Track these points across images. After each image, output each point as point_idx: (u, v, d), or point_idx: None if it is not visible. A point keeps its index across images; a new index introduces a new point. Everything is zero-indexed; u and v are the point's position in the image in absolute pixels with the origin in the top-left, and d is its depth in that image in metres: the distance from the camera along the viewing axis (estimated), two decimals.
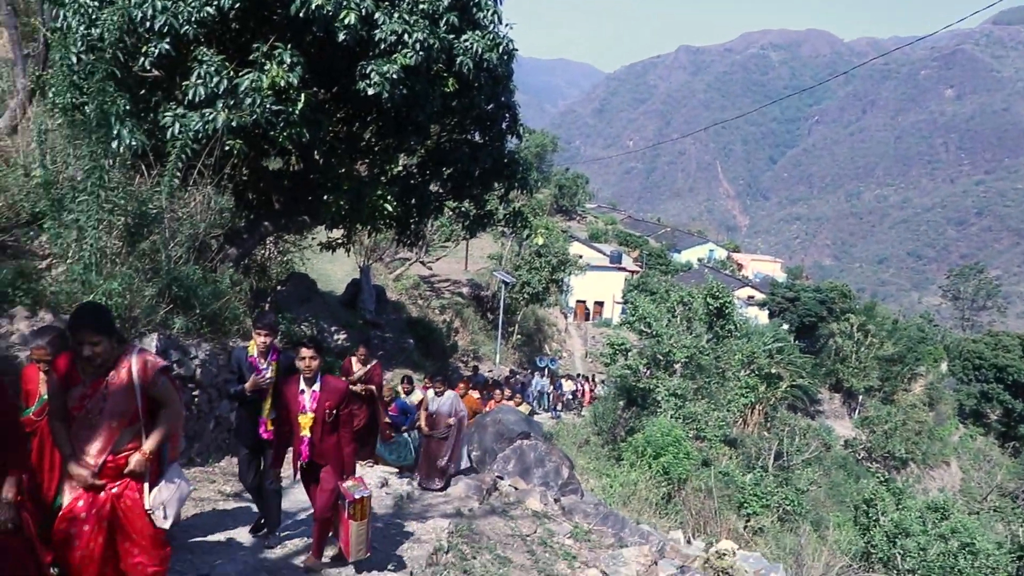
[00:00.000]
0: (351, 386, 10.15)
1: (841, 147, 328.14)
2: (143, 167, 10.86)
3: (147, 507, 4.47)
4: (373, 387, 10.88)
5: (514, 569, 7.97)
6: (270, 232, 16.42)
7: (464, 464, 12.17)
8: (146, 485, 4.51)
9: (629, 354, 26.27)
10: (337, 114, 15.43)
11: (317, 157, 15.35)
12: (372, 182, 15.06)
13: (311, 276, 21.18)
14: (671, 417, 21.61)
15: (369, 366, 10.92)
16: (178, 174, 10.78)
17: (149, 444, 4.48)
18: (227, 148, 11.81)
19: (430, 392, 11.23)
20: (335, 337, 18.66)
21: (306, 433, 6.26)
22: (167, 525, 4.53)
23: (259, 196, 15.95)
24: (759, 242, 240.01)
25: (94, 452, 4.36)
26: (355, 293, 25.99)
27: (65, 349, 4.73)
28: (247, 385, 6.63)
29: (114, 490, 4.42)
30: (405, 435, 11.54)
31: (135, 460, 4.43)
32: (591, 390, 32.97)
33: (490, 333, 37.64)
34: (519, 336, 41.73)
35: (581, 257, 49.46)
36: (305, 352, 6.19)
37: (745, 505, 18.21)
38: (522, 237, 38.28)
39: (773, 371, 32.98)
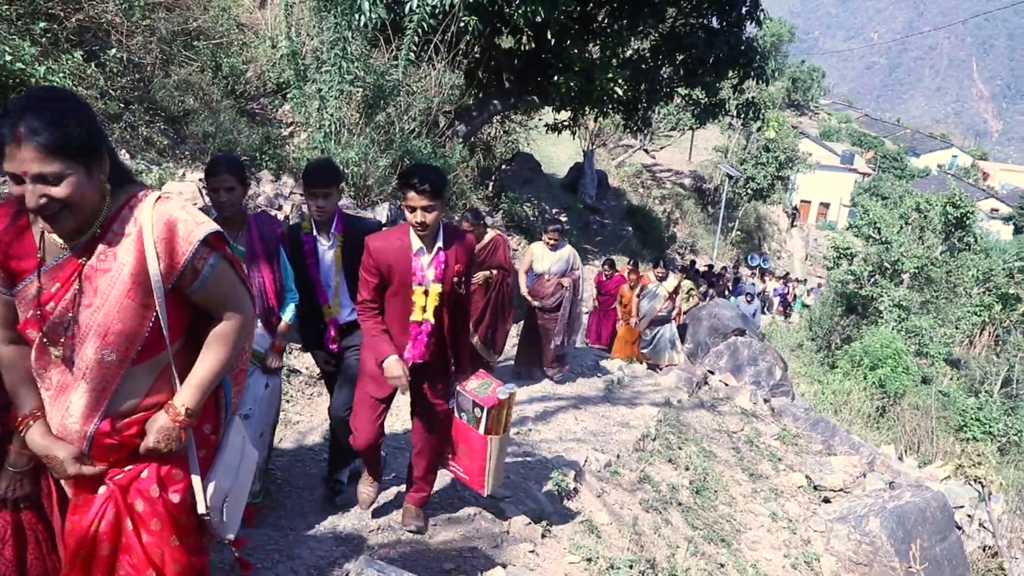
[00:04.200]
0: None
1: None
2: (382, 41, 11.14)
3: (201, 510, 2.43)
4: (491, 272, 7.76)
5: (718, 463, 7.91)
6: (498, 111, 16.59)
7: (577, 343, 9.36)
8: (195, 475, 2.44)
9: (854, 259, 25.10)
10: None
11: (549, 37, 15.24)
12: (603, 64, 14.82)
13: (535, 157, 21.36)
14: (892, 329, 20.58)
15: (487, 239, 7.78)
16: (414, 49, 10.99)
17: (186, 395, 2.33)
18: (462, 24, 11.91)
19: (537, 246, 8.85)
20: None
21: (425, 317, 4.06)
22: (231, 534, 2.58)
23: (490, 75, 16.08)
24: (1011, 150, 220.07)
25: (77, 413, 2.24)
26: (577, 177, 26.11)
27: None
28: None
29: (118, 478, 2.34)
30: None
31: (158, 427, 2.30)
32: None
33: (709, 227, 36.86)
34: (738, 232, 40.62)
35: (811, 155, 47.04)
36: (414, 199, 3.80)
37: (965, 429, 17.21)
38: (751, 130, 36.88)
39: (1011, 291, 30.50)
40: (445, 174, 4.08)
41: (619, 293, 11.94)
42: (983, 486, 10.53)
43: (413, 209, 3.82)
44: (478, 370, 4.37)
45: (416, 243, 3.98)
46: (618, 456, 6.88)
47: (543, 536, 4.87)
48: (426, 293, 4.01)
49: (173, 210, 2.24)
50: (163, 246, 2.21)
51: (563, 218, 19.10)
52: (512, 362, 9.25)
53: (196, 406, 2.35)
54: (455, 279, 4.06)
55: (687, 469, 7.31)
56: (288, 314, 4.29)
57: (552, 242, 8.57)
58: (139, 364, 2.28)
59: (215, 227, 2.31)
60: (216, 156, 4.08)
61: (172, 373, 2.37)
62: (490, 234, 7.83)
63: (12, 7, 6.58)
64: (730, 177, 35.63)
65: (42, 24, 6.63)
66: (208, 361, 2.38)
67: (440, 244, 4.01)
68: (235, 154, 4.22)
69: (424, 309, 4.03)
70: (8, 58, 5.95)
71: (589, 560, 4.75)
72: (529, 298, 8.71)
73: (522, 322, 9.23)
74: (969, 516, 9.57)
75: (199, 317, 2.43)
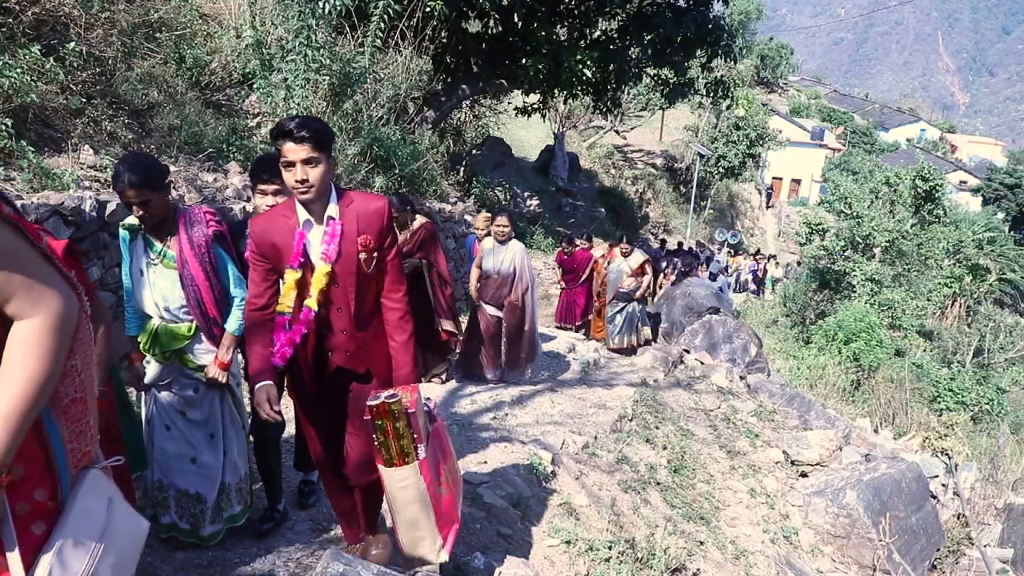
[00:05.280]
0: None
1: None
2: (347, 28, 11.04)
3: None
4: (422, 263, 6.94)
5: (695, 442, 7.95)
6: (467, 96, 16.50)
7: (538, 352, 8.46)
8: (12, 555, 1.58)
9: (826, 235, 25.27)
10: None
11: (516, 20, 15.15)
12: (571, 46, 14.78)
13: (506, 141, 21.29)
14: (865, 303, 20.72)
15: (416, 226, 6.93)
16: (380, 35, 10.90)
17: None
18: (428, 9, 11.83)
19: (488, 241, 7.96)
20: (527, 203, 18.81)
21: (307, 304, 3.16)
22: None
23: (457, 59, 15.98)
24: (978, 122, 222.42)
25: None
26: (548, 159, 26.09)
27: None
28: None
29: None
30: None
31: None
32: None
33: (682, 206, 36.96)
34: (711, 211, 40.77)
35: (781, 132, 47.28)
36: (292, 150, 2.93)
37: (938, 400, 17.40)
38: (721, 108, 36.97)
39: (981, 262, 30.86)
40: (330, 126, 3.32)
41: (596, 270, 11.88)
42: (949, 458, 10.65)
43: (291, 165, 2.95)
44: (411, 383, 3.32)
45: (303, 214, 3.11)
46: (595, 438, 6.89)
47: (522, 520, 4.88)
48: (303, 275, 3.14)
49: None
50: None
51: (535, 201, 19.08)
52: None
53: (2, 455, 1.53)
54: (361, 255, 3.13)
55: (665, 448, 7.34)
56: (232, 323, 3.65)
57: (502, 229, 7.71)
58: None
59: None
60: (118, 164, 3.34)
61: None
62: (419, 220, 6.96)
63: None
64: (701, 156, 35.73)
65: None
66: (10, 386, 1.54)
67: (332, 212, 3.11)
68: (146, 155, 3.16)
69: (301, 296, 3.15)
70: None
71: (568, 543, 4.75)
72: (473, 293, 8.03)
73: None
74: (944, 485, 9.68)
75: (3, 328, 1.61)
